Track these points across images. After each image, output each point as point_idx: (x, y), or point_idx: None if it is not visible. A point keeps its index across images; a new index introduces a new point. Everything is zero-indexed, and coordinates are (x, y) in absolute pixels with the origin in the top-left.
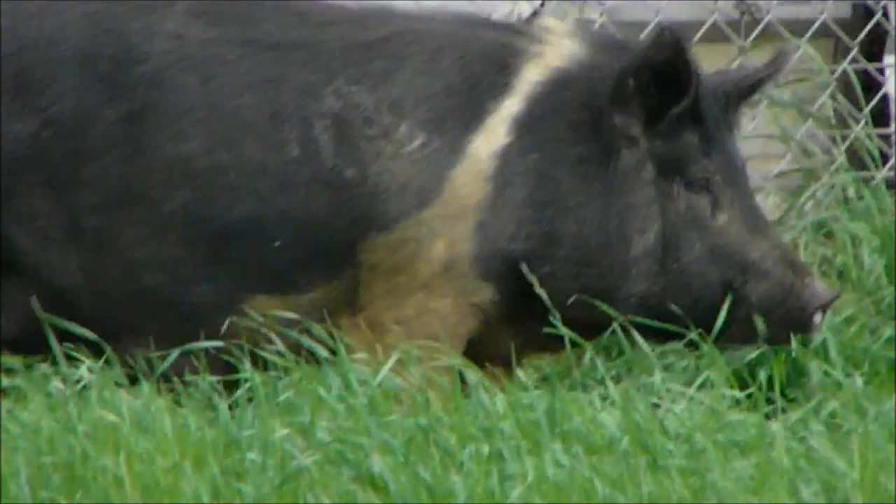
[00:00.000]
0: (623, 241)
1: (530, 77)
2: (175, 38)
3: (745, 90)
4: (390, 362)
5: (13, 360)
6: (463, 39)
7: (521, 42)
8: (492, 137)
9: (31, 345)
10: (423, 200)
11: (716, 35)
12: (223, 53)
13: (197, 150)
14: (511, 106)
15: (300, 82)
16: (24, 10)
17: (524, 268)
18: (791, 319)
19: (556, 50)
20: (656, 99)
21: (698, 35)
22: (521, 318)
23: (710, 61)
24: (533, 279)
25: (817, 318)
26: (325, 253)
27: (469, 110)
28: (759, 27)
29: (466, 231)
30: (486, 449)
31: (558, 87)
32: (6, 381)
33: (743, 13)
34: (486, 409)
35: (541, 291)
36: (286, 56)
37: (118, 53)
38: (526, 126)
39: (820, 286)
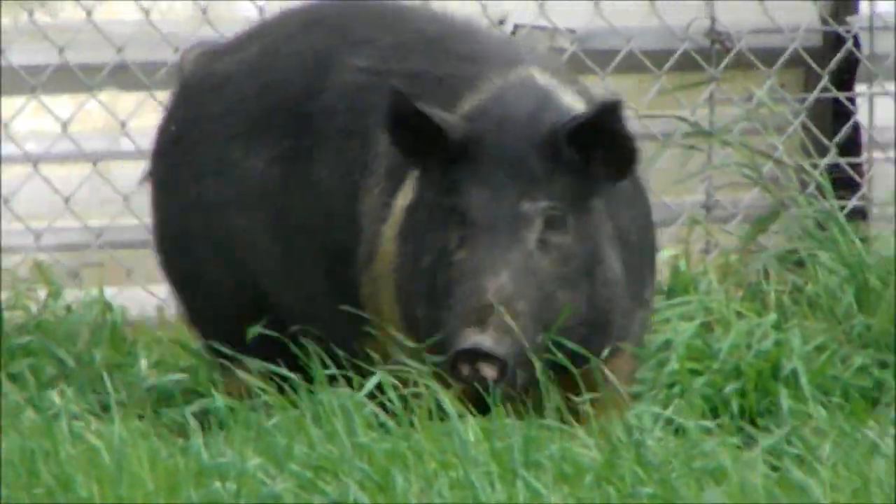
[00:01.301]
0: (414, 264)
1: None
2: (353, 71)
3: (565, 135)
4: (367, 387)
5: None
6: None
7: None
8: (407, 192)
9: None
10: (370, 255)
11: (687, 63)
12: (369, 82)
13: (325, 175)
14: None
15: None
16: (266, 53)
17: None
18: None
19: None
20: (419, 139)
21: (669, 64)
22: None
23: (682, 90)
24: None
25: (464, 368)
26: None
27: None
28: (730, 56)
29: (393, 291)
30: (459, 476)
31: None
32: None
33: (714, 42)
34: (461, 435)
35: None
36: (407, 87)
37: (313, 87)
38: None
39: (473, 336)
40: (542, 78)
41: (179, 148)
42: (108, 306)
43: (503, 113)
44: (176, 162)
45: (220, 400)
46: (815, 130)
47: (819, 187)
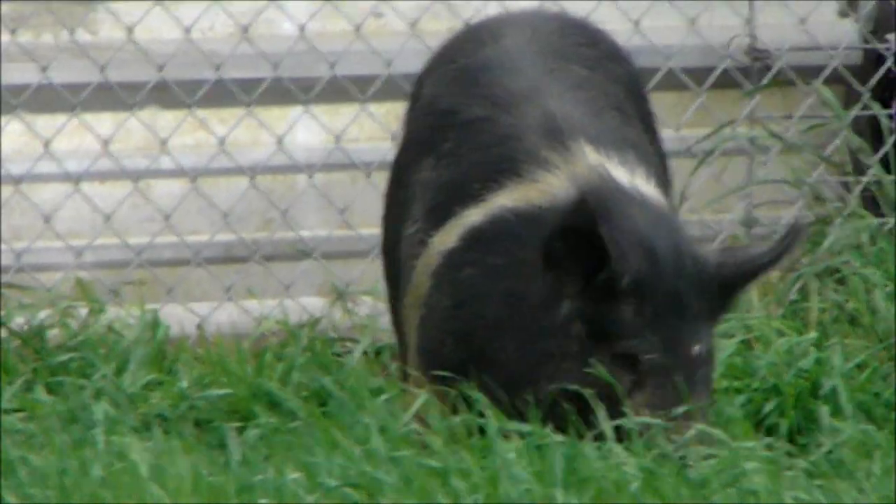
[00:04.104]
0: (533, 382)
1: (502, 201)
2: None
3: (745, 276)
4: (414, 406)
5: (23, 405)
6: (521, 136)
7: (532, 163)
8: (445, 236)
9: None
10: (405, 284)
11: (727, 81)
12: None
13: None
14: (471, 216)
15: None
16: None
17: None
18: None
19: (542, 186)
20: (583, 263)
21: (709, 81)
22: None
23: (722, 108)
24: None
25: None
26: None
27: (446, 207)
28: (771, 73)
29: (416, 322)
30: (497, 495)
31: (520, 221)
32: (19, 425)
33: (755, 59)
34: (502, 454)
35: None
36: None
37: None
38: (476, 240)
39: None
40: (621, 174)
41: None
42: (153, 323)
43: (649, 247)
44: None
45: (263, 417)
46: (856, 147)
47: (865, 201)
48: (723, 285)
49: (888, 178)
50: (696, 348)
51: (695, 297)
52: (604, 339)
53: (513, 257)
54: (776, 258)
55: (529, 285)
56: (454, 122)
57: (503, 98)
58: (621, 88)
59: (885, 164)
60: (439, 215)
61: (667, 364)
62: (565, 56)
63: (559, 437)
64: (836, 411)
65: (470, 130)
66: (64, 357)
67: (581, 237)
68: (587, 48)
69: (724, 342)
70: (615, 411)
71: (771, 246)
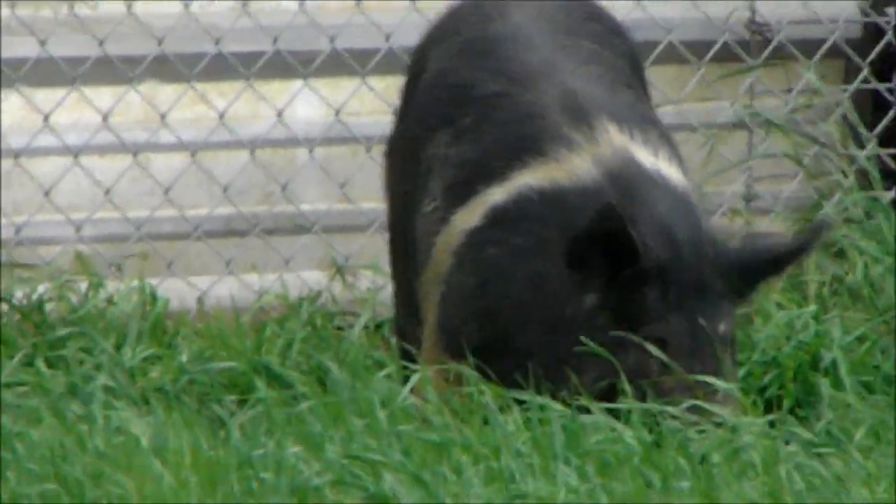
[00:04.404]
0: (560, 373)
1: (525, 180)
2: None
3: (762, 264)
4: (411, 382)
5: (23, 379)
6: (543, 114)
7: (556, 142)
8: (468, 214)
9: None
10: (424, 261)
11: (727, 55)
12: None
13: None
14: (494, 195)
15: None
16: None
17: None
18: None
19: (566, 165)
20: (609, 260)
21: (709, 55)
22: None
23: (723, 81)
24: None
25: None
26: None
27: (468, 185)
28: (770, 47)
29: (436, 299)
30: (498, 467)
31: (544, 201)
32: (17, 400)
33: (754, 33)
34: (503, 427)
35: None
36: None
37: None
38: (500, 219)
39: None
40: (644, 157)
41: None
42: (152, 296)
43: (670, 233)
44: None
45: (263, 391)
46: (854, 121)
47: (865, 175)
48: (741, 271)
49: (884, 152)
50: (722, 327)
51: (715, 279)
52: (630, 325)
53: (537, 237)
54: (796, 252)
55: (554, 267)
56: (470, 97)
57: (520, 74)
58: (627, 63)
59: (885, 137)
60: (460, 193)
61: (694, 344)
62: (574, 31)
63: (560, 409)
64: (836, 384)
65: (488, 106)
66: (64, 331)
67: (608, 238)
68: (592, 23)
69: None
70: (643, 399)
71: (792, 240)
